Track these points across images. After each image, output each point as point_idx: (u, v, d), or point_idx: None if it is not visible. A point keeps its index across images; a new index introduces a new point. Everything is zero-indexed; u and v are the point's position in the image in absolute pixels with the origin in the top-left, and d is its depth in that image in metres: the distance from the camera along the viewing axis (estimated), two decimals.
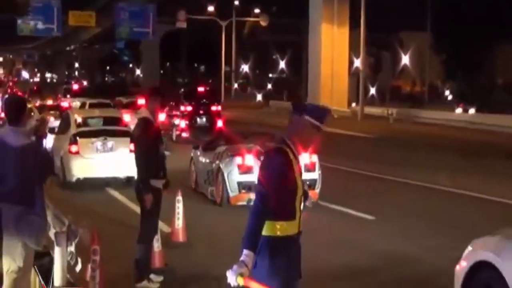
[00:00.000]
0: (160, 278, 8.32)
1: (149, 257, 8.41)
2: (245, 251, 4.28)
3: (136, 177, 8.70)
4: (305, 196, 5.07)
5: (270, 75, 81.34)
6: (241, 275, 4.19)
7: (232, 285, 4.22)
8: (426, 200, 14.54)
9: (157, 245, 8.70)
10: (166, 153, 8.86)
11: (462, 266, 6.12)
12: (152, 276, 8.29)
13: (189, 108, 32.05)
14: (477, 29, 55.29)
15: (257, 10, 65.87)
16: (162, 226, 9.13)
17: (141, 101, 25.32)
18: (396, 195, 15.36)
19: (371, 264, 9.15)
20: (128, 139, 15.57)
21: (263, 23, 64.95)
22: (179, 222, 10.35)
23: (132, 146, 13.84)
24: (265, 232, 4.45)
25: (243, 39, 71.64)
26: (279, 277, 4.47)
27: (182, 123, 29.71)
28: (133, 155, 10.67)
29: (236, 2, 64.61)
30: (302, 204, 4.74)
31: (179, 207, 10.34)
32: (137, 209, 10.74)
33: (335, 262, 9.26)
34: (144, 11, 50.05)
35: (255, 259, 4.32)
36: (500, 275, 5.55)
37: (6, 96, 24.34)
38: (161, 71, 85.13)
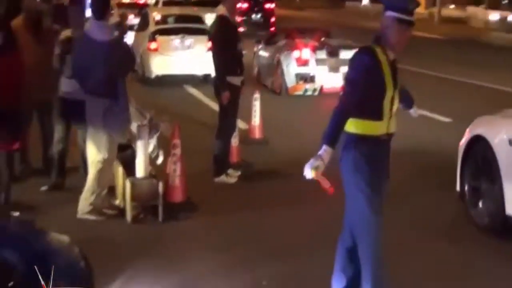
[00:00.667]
0: (238, 173, 8.46)
1: (227, 153, 8.53)
2: (324, 146, 4.27)
3: (213, 74, 8.73)
4: (407, 103, 5.06)
5: None
6: (316, 168, 4.23)
7: (306, 177, 4.26)
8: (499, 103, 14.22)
9: (234, 141, 8.80)
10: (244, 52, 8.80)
11: (463, 141, 7.12)
12: (230, 171, 8.43)
13: (245, 5, 32.58)
14: None
15: None
16: (240, 123, 9.17)
17: None
18: (471, 98, 14.97)
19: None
20: (205, 37, 15.25)
21: None
22: (256, 119, 10.44)
23: (209, 44, 14.32)
24: (351, 129, 4.43)
25: None
26: (362, 173, 4.47)
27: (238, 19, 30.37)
28: (210, 53, 10.75)
29: None
30: (397, 107, 4.66)
31: (256, 104, 10.38)
32: (214, 106, 10.85)
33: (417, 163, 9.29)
34: None
35: (332, 154, 4.32)
36: (490, 145, 6.46)
37: None
38: None
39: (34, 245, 4.44)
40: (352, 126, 4.44)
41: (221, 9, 8.60)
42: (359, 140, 4.46)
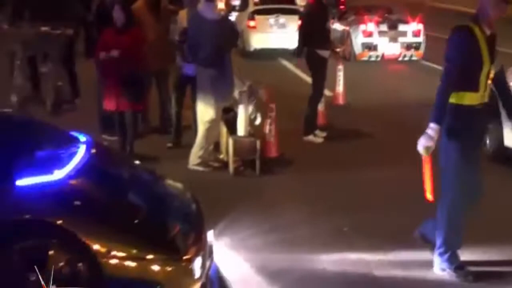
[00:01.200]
0: (324, 134, 8.37)
1: (315, 116, 8.44)
2: (432, 124, 4.14)
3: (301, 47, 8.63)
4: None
5: None
6: (428, 149, 4.14)
7: (420, 152, 4.17)
8: None
9: (321, 106, 8.69)
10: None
11: None
12: (317, 131, 8.35)
13: None
14: None
15: None
16: (326, 91, 9.04)
17: None
18: None
19: None
20: (296, 16, 15.17)
21: None
22: (339, 87, 10.31)
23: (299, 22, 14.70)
24: (450, 99, 4.25)
25: None
26: (457, 138, 4.30)
27: None
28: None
29: None
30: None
31: (340, 75, 10.28)
32: (303, 75, 10.78)
33: None
34: None
35: (440, 132, 4.19)
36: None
37: None
38: None
39: (155, 189, 4.52)
40: (451, 96, 4.26)
41: None
42: (456, 108, 4.27)
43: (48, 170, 3.81)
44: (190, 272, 3.69)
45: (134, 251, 3.58)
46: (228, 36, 7.07)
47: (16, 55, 9.51)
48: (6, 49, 9.77)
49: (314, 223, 5.52)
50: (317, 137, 8.29)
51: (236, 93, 7.21)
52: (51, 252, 3.51)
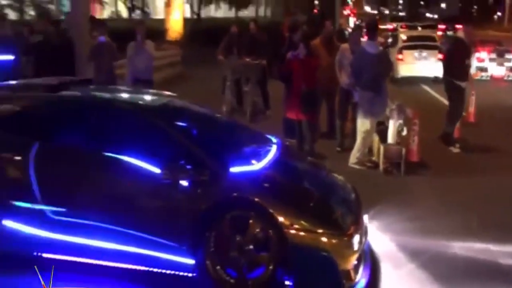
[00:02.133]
0: (458, 145, 7.84)
1: (453, 131, 7.94)
2: None
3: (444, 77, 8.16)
4: None
5: None
6: None
7: None
8: None
9: (457, 123, 8.16)
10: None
11: None
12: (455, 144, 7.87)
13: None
14: None
15: None
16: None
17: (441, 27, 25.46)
18: None
19: None
20: (436, 51, 14.95)
21: None
22: (471, 108, 9.61)
23: (439, 56, 14.05)
24: None
25: None
26: None
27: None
28: (440, 63, 10.05)
29: None
30: None
31: (473, 99, 9.58)
32: (441, 99, 10.17)
33: None
34: None
35: None
36: None
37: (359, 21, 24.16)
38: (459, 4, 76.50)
39: (324, 179, 4.53)
40: None
41: (460, 34, 8.14)
42: None
43: (250, 162, 3.94)
44: (350, 246, 3.64)
45: (309, 225, 3.59)
46: (385, 67, 6.91)
47: (227, 78, 9.98)
48: (222, 74, 10.29)
49: (447, 216, 5.19)
50: (454, 148, 7.77)
51: (387, 111, 7.02)
52: (250, 221, 3.64)
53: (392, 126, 6.86)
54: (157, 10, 34.40)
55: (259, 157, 4.08)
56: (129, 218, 3.69)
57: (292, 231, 3.54)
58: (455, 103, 7.82)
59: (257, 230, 3.62)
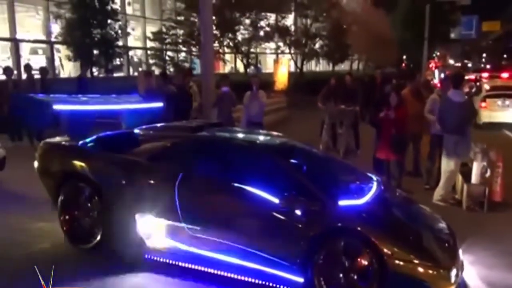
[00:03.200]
0: None
1: None
2: None
3: None
4: None
5: None
6: None
7: None
8: None
9: None
10: None
11: None
12: None
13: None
14: None
15: None
16: None
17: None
18: None
19: None
20: None
21: None
22: None
23: None
24: None
25: None
26: None
27: None
28: None
29: None
30: None
31: None
32: None
33: None
34: None
35: None
36: None
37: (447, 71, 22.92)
38: None
39: (420, 214, 4.30)
40: None
41: None
42: None
43: (356, 196, 3.93)
44: (449, 278, 3.44)
45: (410, 256, 3.44)
46: (469, 114, 6.48)
47: (324, 122, 9.98)
48: (320, 118, 10.32)
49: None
50: None
51: (471, 153, 6.54)
52: (355, 248, 3.57)
53: (476, 168, 6.37)
54: (267, 65, 35.55)
55: (363, 192, 4.04)
56: (251, 238, 3.77)
57: (394, 261, 3.41)
58: None
59: (361, 255, 3.54)
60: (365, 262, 3.50)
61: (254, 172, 3.98)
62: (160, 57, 26.49)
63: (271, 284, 3.72)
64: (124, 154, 4.38)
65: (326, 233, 3.60)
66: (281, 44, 29.83)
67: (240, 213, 3.85)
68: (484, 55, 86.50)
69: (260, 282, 3.74)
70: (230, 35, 25.65)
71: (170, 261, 4.03)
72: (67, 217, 4.51)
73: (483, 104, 14.49)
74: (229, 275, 3.83)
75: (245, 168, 4.06)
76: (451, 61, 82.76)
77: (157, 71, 23.07)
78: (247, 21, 26.29)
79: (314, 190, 3.77)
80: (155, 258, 4.07)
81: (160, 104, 5.82)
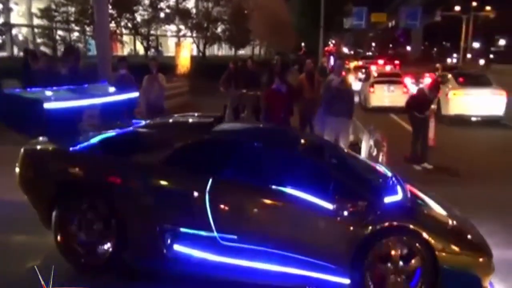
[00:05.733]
0: (425, 164, 7.97)
1: (416, 152, 8.04)
2: None
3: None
4: None
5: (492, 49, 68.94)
6: None
7: None
8: None
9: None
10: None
11: None
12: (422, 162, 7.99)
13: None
14: None
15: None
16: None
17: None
18: None
19: None
20: (401, 85, 15.44)
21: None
22: (431, 134, 9.67)
23: (404, 89, 14.86)
24: None
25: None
26: None
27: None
28: (405, 95, 10.17)
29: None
30: None
31: (432, 126, 9.62)
32: (405, 125, 10.27)
33: None
34: (415, 12, 45.59)
35: None
36: None
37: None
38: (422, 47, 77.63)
39: (440, 202, 4.14)
40: None
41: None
42: None
43: (393, 192, 3.84)
44: (491, 265, 3.56)
45: (458, 248, 3.50)
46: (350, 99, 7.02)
47: (227, 107, 10.09)
48: (223, 103, 10.40)
49: None
50: (427, 165, 7.93)
51: (360, 134, 7.10)
52: (406, 245, 3.52)
53: (365, 147, 6.93)
54: (169, 49, 34.72)
55: (394, 187, 3.95)
56: (293, 243, 3.56)
57: (443, 254, 3.44)
58: (416, 134, 8.09)
59: (413, 250, 3.51)
60: (417, 259, 3.49)
61: (293, 173, 3.69)
62: (49, 36, 24.49)
63: None
64: (135, 157, 3.83)
65: (377, 232, 3.47)
66: (182, 27, 29.29)
67: (281, 217, 3.61)
68: (373, 44, 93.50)
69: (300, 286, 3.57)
70: (128, 15, 24.54)
71: (201, 274, 3.66)
72: (66, 235, 3.84)
73: (371, 90, 15.71)
74: (266, 282, 3.61)
75: (283, 169, 3.75)
76: (345, 49, 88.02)
77: (48, 51, 21.32)
78: (146, 2, 25.35)
79: (358, 188, 3.66)
80: (178, 269, 3.69)
81: (136, 94, 5.24)
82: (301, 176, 3.68)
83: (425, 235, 3.45)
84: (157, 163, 3.76)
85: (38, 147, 4.16)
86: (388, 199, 3.68)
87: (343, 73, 7.87)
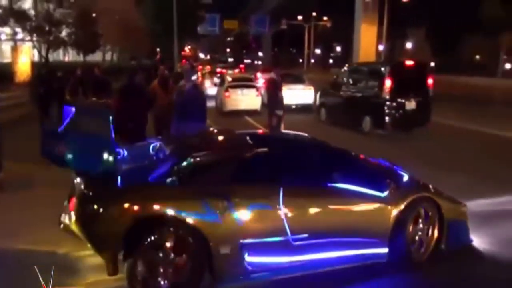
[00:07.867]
0: None
1: None
2: None
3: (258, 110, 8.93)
4: None
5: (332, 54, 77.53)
6: None
7: None
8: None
9: None
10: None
11: None
12: None
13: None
14: None
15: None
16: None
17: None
18: None
19: None
20: (254, 89, 16.24)
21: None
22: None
23: (256, 92, 15.82)
24: None
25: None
26: None
27: None
28: (258, 98, 10.71)
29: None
30: None
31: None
32: (259, 126, 10.77)
33: None
34: (263, 19, 48.56)
35: None
36: None
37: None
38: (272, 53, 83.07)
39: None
40: None
41: (272, 74, 9.32)
42: None
43: (402, 174, 4.85)
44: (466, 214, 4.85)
45: (449, 204, 4.67)
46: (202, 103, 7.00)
47: None
48: None
49: None
50: None
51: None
52: (430, 211, 4.56)
53: None
54: (4, 54, 30.99)
55: (398, 170, 4.89)
56: (351, 229, 4.14)
57: (445, 210, 4.57)
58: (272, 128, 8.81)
59: (431, 215, 4.52)
60: (434, 218, 4.54)
61: (348, 171, 4.38)
62: None
63: (363, 263, 4.19)
64: (205, 182, 3.87)
65: (408, 205, 4.32)
66: (19, 30, 26.41)
67: (342, 209, 4.17)
68: (228, 49, 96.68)
69: (354, 264, 4.17)
70: None
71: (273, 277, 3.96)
72: (146, 276, 3.61)
73: (227, 94, 16.21)
74: (332, 268, 4.09)
75: (336, 168, 4.37)
76: (201, 55, 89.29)
77: None
78: None
79: (388, 176, 4.59)
80: (257, 279, 3.90)
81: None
82: (353, 171, 4.44)
83: (435, 199, 4.53)
84: (223, 185, 3.87)
85: (100, 183, 3.83)
86: (405, 179, 4.68)
87: (199, 78, 7.96)
